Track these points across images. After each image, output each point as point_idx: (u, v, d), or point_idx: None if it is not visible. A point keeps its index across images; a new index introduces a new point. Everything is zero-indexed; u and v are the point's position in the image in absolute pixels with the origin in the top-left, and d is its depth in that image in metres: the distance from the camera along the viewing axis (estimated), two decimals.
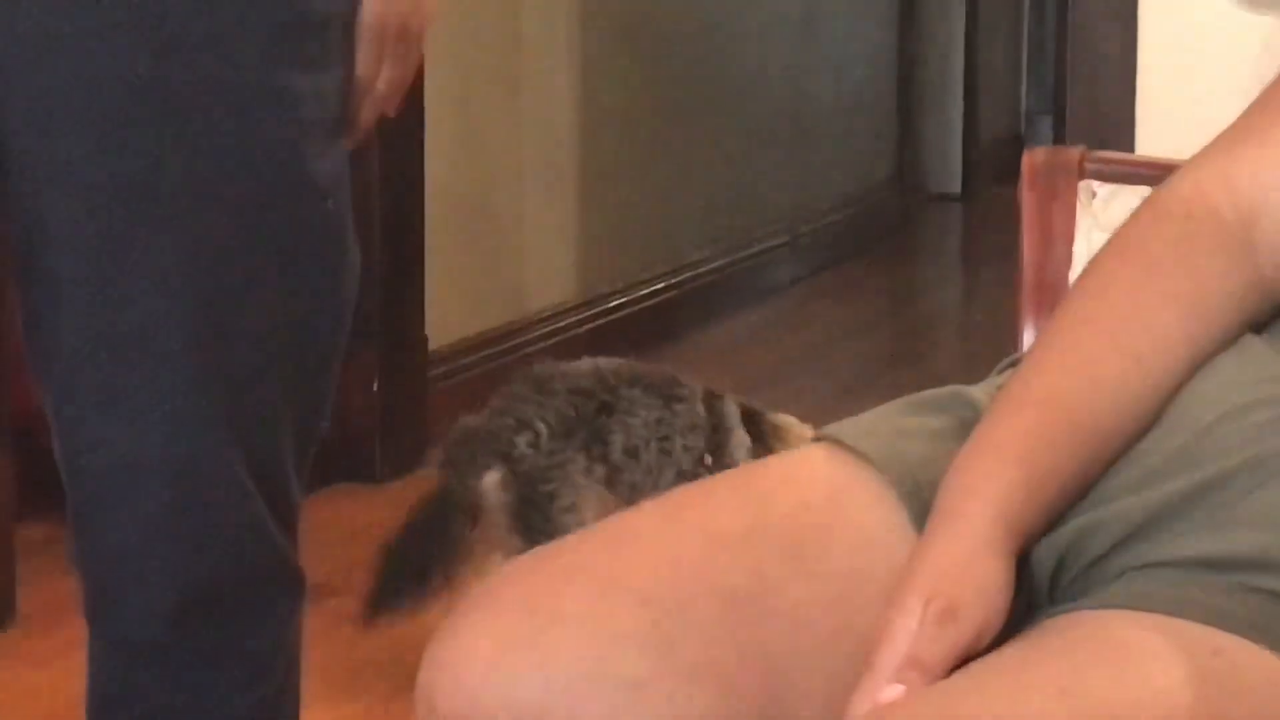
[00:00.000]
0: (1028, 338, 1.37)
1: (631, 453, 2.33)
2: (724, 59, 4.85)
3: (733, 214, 4.92)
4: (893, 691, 1.01)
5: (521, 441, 2.30)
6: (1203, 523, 1.09)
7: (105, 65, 1.33)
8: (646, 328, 4.33)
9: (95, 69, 1.32)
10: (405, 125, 3.37)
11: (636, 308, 4.36)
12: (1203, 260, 1.19)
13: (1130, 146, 2.28)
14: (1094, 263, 1.25)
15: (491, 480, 2.29)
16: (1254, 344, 1.18)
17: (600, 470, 2.32)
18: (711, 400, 2.43)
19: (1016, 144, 6.14)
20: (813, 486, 1.18)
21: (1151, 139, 2.26)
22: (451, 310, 3.74)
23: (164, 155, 1.34)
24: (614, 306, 4.29)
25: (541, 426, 2.30)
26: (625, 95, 4.32)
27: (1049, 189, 1.49)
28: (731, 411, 2.43)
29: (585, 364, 2.46)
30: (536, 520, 2.27)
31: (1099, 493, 1.11)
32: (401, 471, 3.53)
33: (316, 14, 1.40)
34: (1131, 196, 1.36)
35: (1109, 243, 1.26)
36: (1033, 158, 1.50)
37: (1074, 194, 1.47)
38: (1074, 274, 1.38)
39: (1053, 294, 1.41)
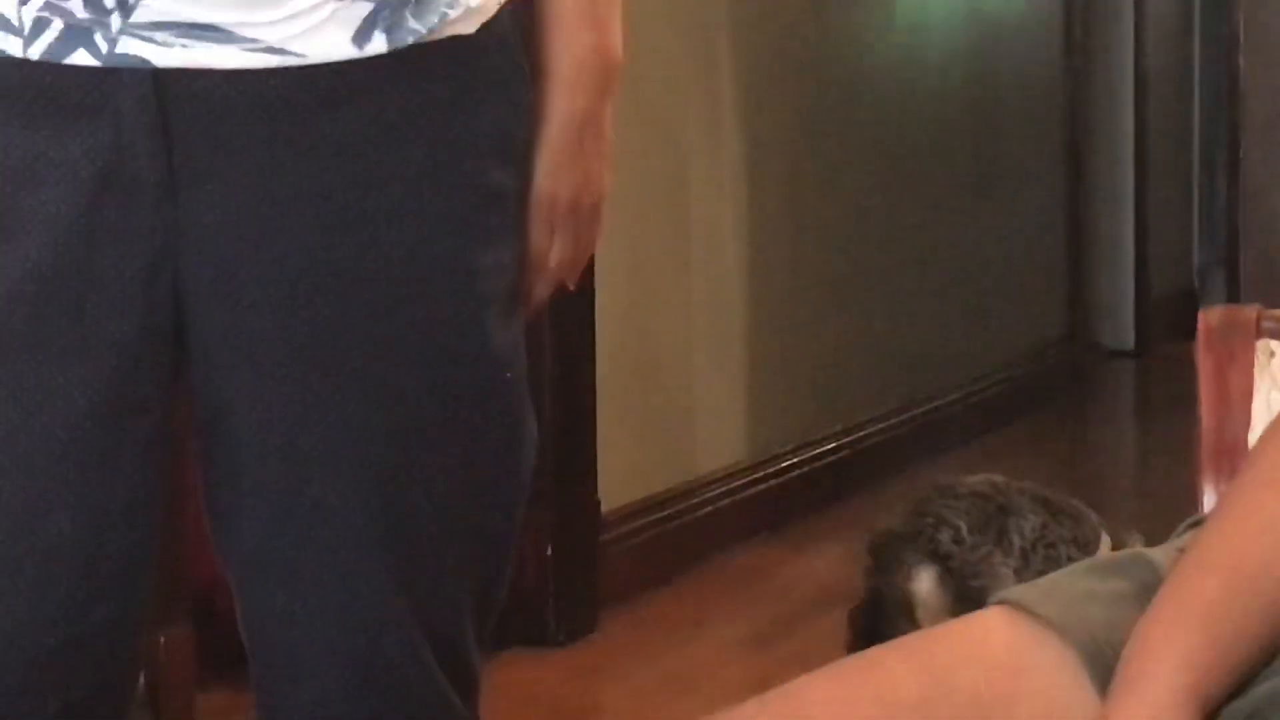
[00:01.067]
0: (1207, 500, 1.35)
1: (1025, 554, 2.36)
2: (893, 221, 4.83)
3: (905, 372, 4.89)
4: None
5: (945, 538, 2.35)
6: None
7: (286, 242, 1.34)
8: (818, 487, 4.30)
9: (276, 246, 1.34)
10: (576, 293, 3.37)
11: (808, 468, 4.31)
12: None
13: None
14: (1277, 424, 1.24)
15: (927, 578, 2.33)
16: None
17: (1011, 564, 2.36)
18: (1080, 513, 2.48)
19: (1190, 299, 6.05)
20: (993, 652, 1.17)
21: None
22: (623, 473, 3.71)
23: (345, 329, 1.35)
24: (786, 467, 4.24)
25: (962, 523, 2.35)
26: (793, 257, 4.31)
27: (1226, 349, 1.46)
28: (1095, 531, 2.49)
29: (977, 476, 2.54)
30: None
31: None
32: (575, 635, 3.48)
33: (495, 187, 1.41)
34: None
35: None
36: (1208, 317, 1.48)
37: (1251, 353, 1.44)
38: (1253, 435, 1.36)
39: (1231, 455, 1.38)
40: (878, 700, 1.15)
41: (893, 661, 1.22)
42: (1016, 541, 2.36)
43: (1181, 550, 1.17)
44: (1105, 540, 2.45)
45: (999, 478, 2.53)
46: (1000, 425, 5.20)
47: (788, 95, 4.32)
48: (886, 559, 2.38)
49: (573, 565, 3.65)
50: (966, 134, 5.26)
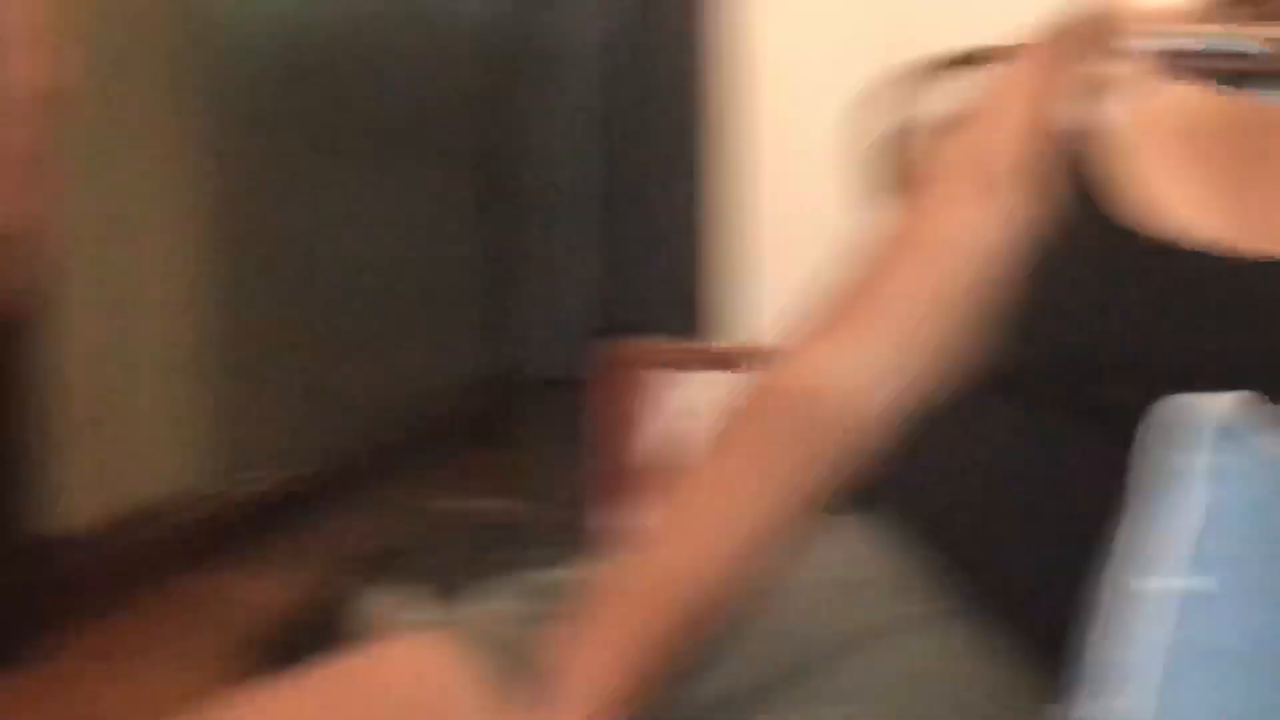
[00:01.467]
0: (598, 519, 1.45)
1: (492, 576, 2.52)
2: (325, 262, 4.93)
3: (347, 405, 4.98)
4: None
5: (422, 561, 2.42)
6: (798, 699, 1.12)
7: None
8: (271, 515, 4.35)
9: None
10: (21, 319, 3.34)
11: (258, 496, 4.37)
12: (796, 448, 1.24)
13: (702, 335, 2.44)
14: (699, 452, 1.29)
15: (399, 602, 2.40)
16: (843, 527, 1.22)
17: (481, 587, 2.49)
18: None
19: (602, 332, 6.40)
20: (414, 672, 1.18)
21: (726, 328, 2.40)
22: (73, 498, 3.66)
23: None
24: (236, 494, 4.29)
25: (440, 547, 2.43)
26: (236, 290, 4.35)
27: (623, 378, 1.54)
28: None
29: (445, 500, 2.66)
30: None
31: (706, 668, 1.14)
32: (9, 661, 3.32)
33: None
34: (702, 384, 1.44)
35: (710, 432, 1.30)
36: (606, 348, 1.58)
37: (648, 382, 1.53)
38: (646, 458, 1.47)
39: (617, 482, 1.47)
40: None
41: (322, 682, 1.20)
42: (487, 564, 2.44)
43: (609, 568, 1.22)
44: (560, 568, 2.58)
45: (471, 501, 2.61)
46: (444, 452, 5.39)
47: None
48: (356, 583, 2.40)
49: (8, 591, 3.53)
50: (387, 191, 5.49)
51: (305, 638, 2.42)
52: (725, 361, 1.50)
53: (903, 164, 1.68)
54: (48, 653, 3.38)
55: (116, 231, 3.89)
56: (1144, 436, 1.08)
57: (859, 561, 1.22)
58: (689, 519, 1.24)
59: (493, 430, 5.77)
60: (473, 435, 5.66)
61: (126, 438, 4.03)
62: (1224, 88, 1.34)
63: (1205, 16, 1.32)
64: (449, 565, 2.00)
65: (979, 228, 1.36)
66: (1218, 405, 1.08)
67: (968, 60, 1.61)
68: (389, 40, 5.18)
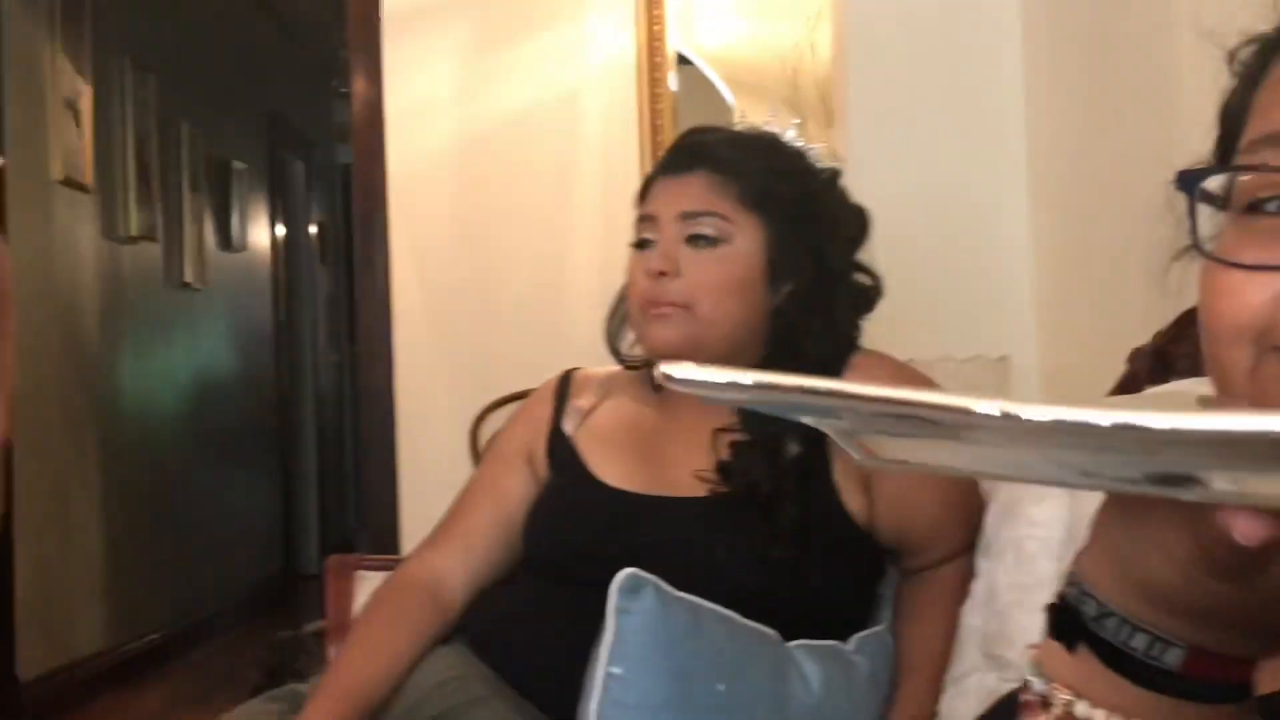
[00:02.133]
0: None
1: None
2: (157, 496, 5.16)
3: (150, 598, 5.13)
4: None
5: None
6: None
7: None
8: None
9: None
10: None
11: None
12: (413, 612, 1.58)
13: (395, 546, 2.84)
14: (360, 616, 1.65)
15: None
16: (449, 652, 1.54)
17: None
18: None
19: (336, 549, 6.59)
20: None
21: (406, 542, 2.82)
22: None
23: None
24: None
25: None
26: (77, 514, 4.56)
27: (339, 577, 1.91)
28: None
29: None
30: None
31: None
32: None
33: None
34: (379, 578, 1.76)
35: (368, 603, 1.64)
36: (329, 560, 1.95)
37: (352, 580, 1.89)
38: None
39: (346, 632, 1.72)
40: None
41: None
42: None
43: (318, 682, 1.52)
44: None
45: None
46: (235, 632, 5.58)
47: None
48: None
49: None
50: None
51: None
52: (390, 565, 1.76)
53: (486, 447, 1.96)
54: None
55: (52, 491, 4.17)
56: (611, 596, 1.40)
57: (450, 669, 1.53)
58: (350, 652, 1.57)
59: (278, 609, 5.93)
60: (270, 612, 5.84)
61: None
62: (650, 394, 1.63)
63: None
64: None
65: (519, 484, 1.68)
66: (634, 575, 1.40)
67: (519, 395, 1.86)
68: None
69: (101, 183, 4.88)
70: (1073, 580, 0.54)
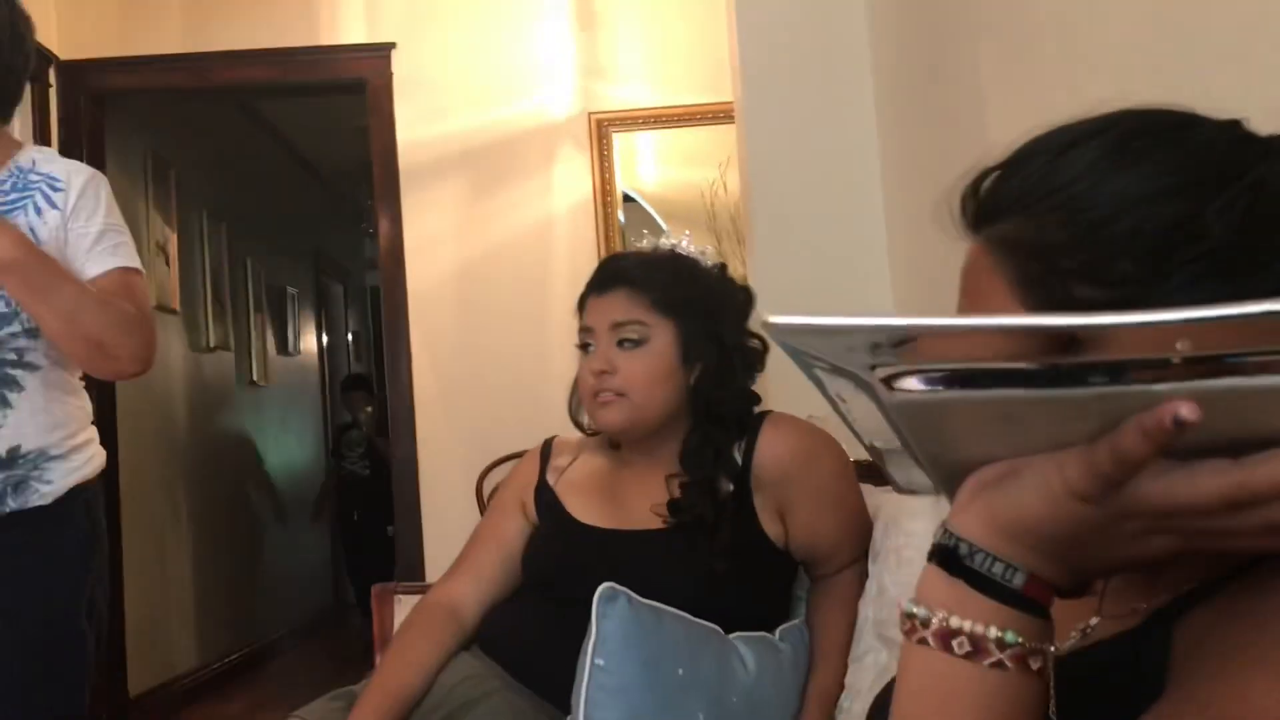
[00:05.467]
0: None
1: None
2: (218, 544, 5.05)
3: (227, 625, 5.03)
4: None
5: None
6: None
7: None
8: None
9: None
10: None
11: None
12: (438, 629, 1.56)
13: (422, 576, 2.79)
14: (398, 633, 1.59)
15: None
16: (468, 657, 1.50)
17: None
18: None
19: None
20: None
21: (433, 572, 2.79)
22: None
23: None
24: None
25: None
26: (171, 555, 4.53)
27: (385, 600, 1.88)
28: None
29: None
30: None
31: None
32: None
33: None
34: (411, 600, 1.72)
35: (403, 622, 1.61)
36: (378, 588, 1.90)
37: (392, 604, 1.87)
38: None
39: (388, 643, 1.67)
40: None
41: None
42: None
43: (365, 686, 1.48)
44: None
45: None
46: (299, 650, 5.44)
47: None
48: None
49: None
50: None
51: None
52: (423, 590, 1.72)
53: (491, 499, 1.95)
54: None
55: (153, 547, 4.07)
56: (595, 605, 1.39)
57: (469, 670, 1.52)
58: (388, 661, 1.54)
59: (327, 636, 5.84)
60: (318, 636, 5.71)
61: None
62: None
63: None
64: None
65: (516, 525, 1.66)
66: (611, 587, 1.40)
67: (513, 457, 1.84)
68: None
69: (186, 307, 4.84)
70: (946, 531, 0.57)
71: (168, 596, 4.55)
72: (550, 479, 1.67)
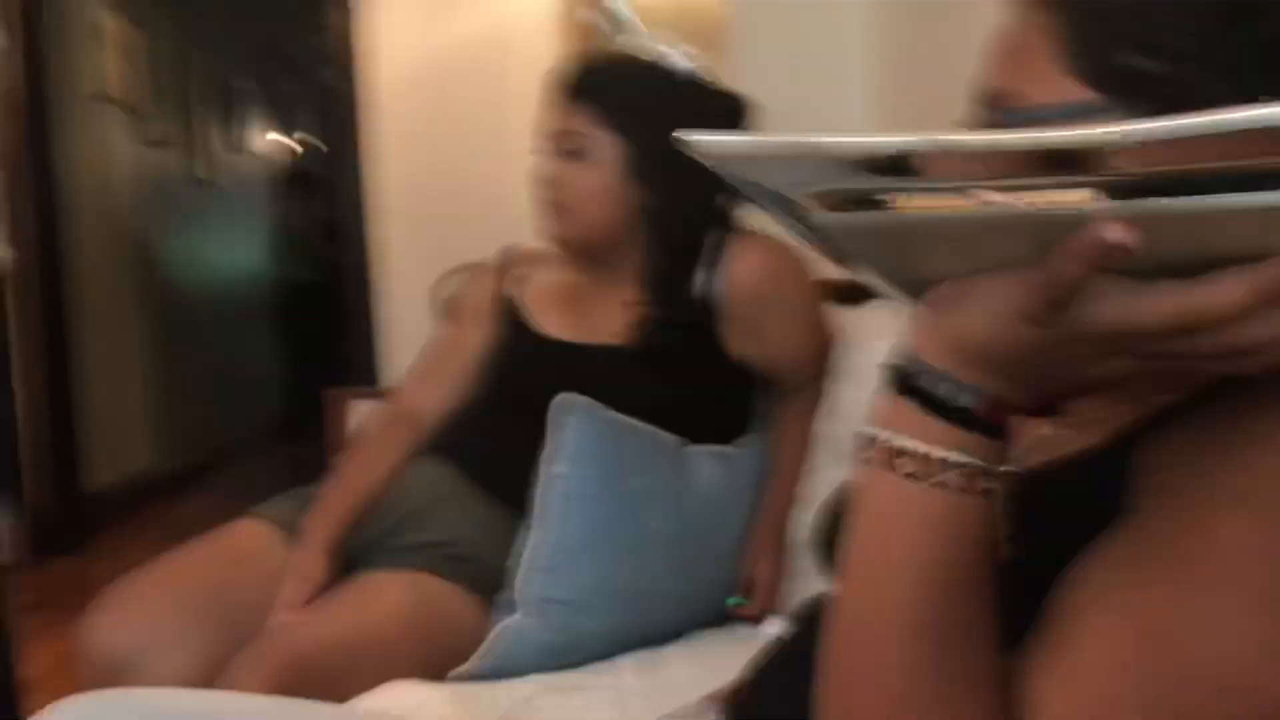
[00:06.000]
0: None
1: None
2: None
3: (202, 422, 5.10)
4: (289, 615, 1.35)
5: None
6: (416, 528, 1.44)
7: None
8: None
9: None
10: None
11: None
12: (398, 435, 1.59)
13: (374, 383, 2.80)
14: (357, 439, 1.63)
15: None
16: (429, 462, 1.52)
17: None
18: None
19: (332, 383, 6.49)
20: (246, 535, 1.51)
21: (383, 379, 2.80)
22: None
23: None
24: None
25: None
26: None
27: (338, 403, 1.91)
28: None
29: None
30: None
31: (370, 524, 1.47)
32: None
33: None
34: (372, 407, 1.76)
35: (363, 428, 1.63)
36: (331, 392, 1.95)
37: (348, 408, 1.90)
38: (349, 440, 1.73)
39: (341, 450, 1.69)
40: (198, 560, 1.43)
41: (207, 545, 1.47)
42: None
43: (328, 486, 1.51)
44: None
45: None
46: (253, 453, 5.52)
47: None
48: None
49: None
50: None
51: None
52: (377, 395, 1.81)
53: (448, 307, 1.86)
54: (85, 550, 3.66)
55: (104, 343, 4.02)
56: (552, 415, 1.42)
57: (432, 473, 1.54)
58: (352, 464, 1.57)
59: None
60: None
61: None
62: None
63: None
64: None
65: (476, 335, 1.65)
66: (569, 397, 1.42)
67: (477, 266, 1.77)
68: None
69: (129, 98, 4.66)
70: (900, 352, 0.57)
71: (122, 395, 4.55)
72: (510, 289, 1.66)
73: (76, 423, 4.04)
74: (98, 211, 4.36)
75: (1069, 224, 0.47)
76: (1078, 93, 0.58)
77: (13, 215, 3.72)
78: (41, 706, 0.73)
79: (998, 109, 0.61)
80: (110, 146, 4.53)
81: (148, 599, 1.38)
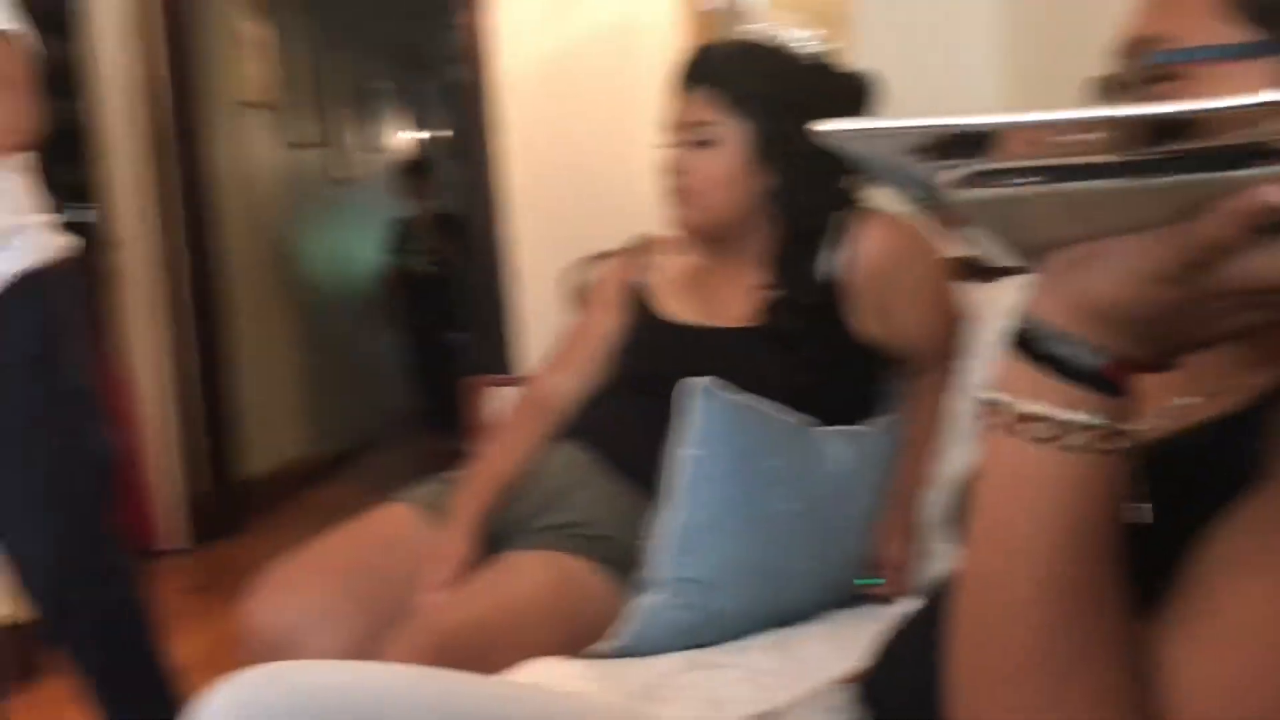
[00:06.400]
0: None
1: None
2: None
3: (317, 420, 5.24)
4: (435, 595, 1.39)
5: None
6: (553, 510, 1.47)
7: None
8: None
9: None
10: None
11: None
12: (538, 418, 1.61)
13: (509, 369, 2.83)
14: (497, 425, 1.68)
15: None
16: (565, 446, 1.54)
17: None
18: None
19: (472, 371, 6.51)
20: (393, 518, 1.56)
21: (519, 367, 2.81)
22: None
23: None
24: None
25: None
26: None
27: (479, 391, 1.92)
28: None
29: None
30: None
31: (510, 506, 1.50)
32: None
33: None
34: (509, 394, 1.77)
35: (503, 415, 1.65)
36: (469, 380, 1.96)
37: (489, 393, 1.91)
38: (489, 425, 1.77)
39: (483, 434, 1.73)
40: (353, 540, 1.49)
41: (358, 527, 1.51)
42: None
43: (471, 471, 1.53)
44: None
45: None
46: (395, 442, 5.64)
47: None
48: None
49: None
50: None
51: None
52: (517, 382, 1.81)
53: (578, 295, 1.93)
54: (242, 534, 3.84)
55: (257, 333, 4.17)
56: (680, 398, 1.42)
57: (567, 456, 1.56)
58: (493, 448, 1.60)
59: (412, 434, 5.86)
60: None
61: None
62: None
63: None
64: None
65: (606, 321, 1.67)
66: (701, 382, 1.42)
67: (604, 255, 1.81)
68: None
69: (277, 102, 4.84)
70: (1024, 315, 0.56)
71: (272, 386, 4.72)
72: (641, 276, 1.68)
73: (232, 414, 4.21)
74: (243, 211, 4.52)
75: (1222, 188, 0.47)
76: (1237, 33, 0.57)
77: (165, 216, 3.89)
78: (205, 684, 0.76)
79: (1149, 53, 0.60)
80: (253, 148, 4.70)
81: (302, 581, 1.44)
